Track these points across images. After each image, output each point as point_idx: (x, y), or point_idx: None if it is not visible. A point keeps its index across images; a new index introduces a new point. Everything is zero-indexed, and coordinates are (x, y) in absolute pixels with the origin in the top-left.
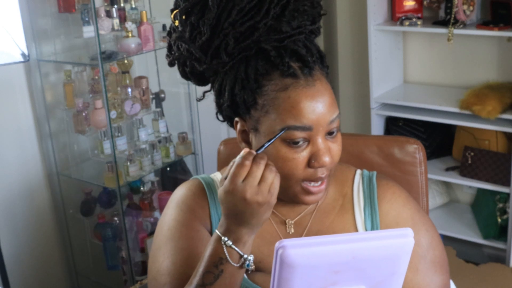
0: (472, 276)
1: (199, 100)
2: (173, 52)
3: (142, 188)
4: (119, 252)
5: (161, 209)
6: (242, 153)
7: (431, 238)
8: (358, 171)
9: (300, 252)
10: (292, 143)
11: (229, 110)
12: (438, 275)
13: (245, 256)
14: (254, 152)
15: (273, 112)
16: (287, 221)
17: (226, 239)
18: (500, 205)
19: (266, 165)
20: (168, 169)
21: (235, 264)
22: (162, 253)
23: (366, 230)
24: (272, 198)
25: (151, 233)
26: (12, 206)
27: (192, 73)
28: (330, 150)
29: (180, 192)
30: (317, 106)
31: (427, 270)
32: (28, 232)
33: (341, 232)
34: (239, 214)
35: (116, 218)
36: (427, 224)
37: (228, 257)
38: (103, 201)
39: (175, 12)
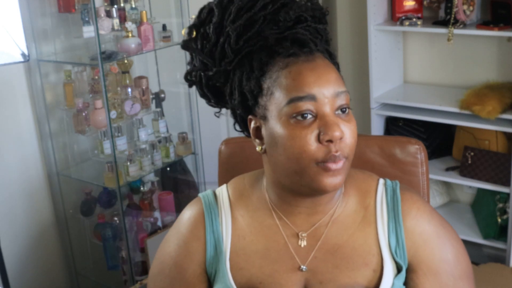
0: None
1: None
2: (190, 77)
3: (142, 188)
4: (119, 252)
5: (161, 209)
6: None
7: (457, 252)
8: (381, 181)
9: None
10: (299, 117)
11: (240, 108)
12: None
13: None
14: None
15: (277, 91)
16: (299, 233)
17: None
18: (500, 205)
19: None
20: (168, 169)
21: None
22: (154, 282)
23: (390, 245)
24: None
25: (151, 233)
26: (12, 206)
27: (208, 86)
28: (342, 129)
29: (184, 218)
30: (319, 76)
31: (455, 286)
32: (28, 232)
33: (361, 247)
34: None
35: (116, 218)
36: (452, 238)
37: None
38: (103, 201)
39: (185, 29)
